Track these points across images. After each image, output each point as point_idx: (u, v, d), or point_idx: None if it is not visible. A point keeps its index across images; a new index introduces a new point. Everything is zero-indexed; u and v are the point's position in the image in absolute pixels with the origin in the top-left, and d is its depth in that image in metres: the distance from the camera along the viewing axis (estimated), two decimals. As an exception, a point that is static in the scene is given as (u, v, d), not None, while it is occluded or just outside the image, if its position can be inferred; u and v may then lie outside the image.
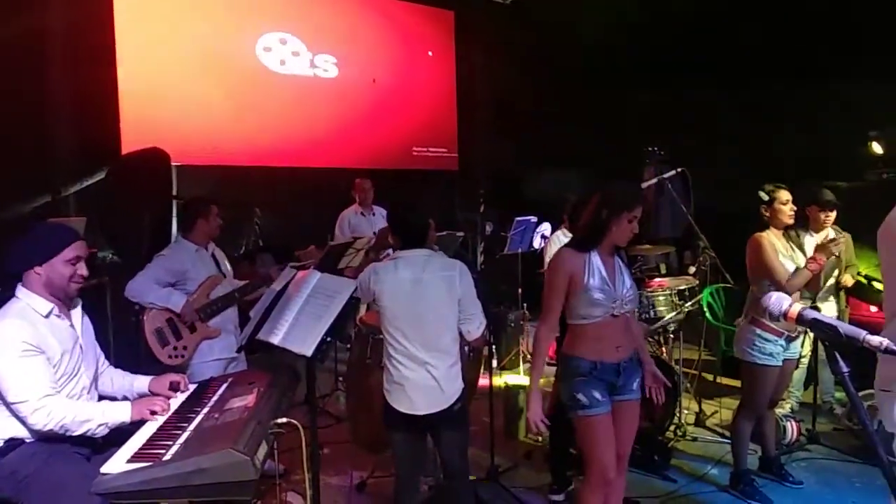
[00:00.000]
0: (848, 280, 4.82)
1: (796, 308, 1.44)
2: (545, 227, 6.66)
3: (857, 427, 4.53)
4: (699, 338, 5.31)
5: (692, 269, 5.13)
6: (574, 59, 8.76)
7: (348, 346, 5.14)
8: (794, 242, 3.88)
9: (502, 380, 5.51)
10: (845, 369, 1.34)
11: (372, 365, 3.57)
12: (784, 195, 3.73)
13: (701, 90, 7.75)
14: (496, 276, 8.16)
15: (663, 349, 5.01)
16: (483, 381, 4.47)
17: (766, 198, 3.74)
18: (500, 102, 9.10)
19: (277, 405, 2.41)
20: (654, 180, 4.63)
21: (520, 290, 6.55)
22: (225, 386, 2.74)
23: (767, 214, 3.74)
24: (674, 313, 4.61)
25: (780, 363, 3.71)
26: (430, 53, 8.86)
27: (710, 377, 5.58)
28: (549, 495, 3.86)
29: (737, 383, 5.37)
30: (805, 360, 4.92)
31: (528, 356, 6.67)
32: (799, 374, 4.99)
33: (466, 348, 4.06)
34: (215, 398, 2.58)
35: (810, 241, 4.71)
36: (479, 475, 3.94)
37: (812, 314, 1.41)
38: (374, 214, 6.52)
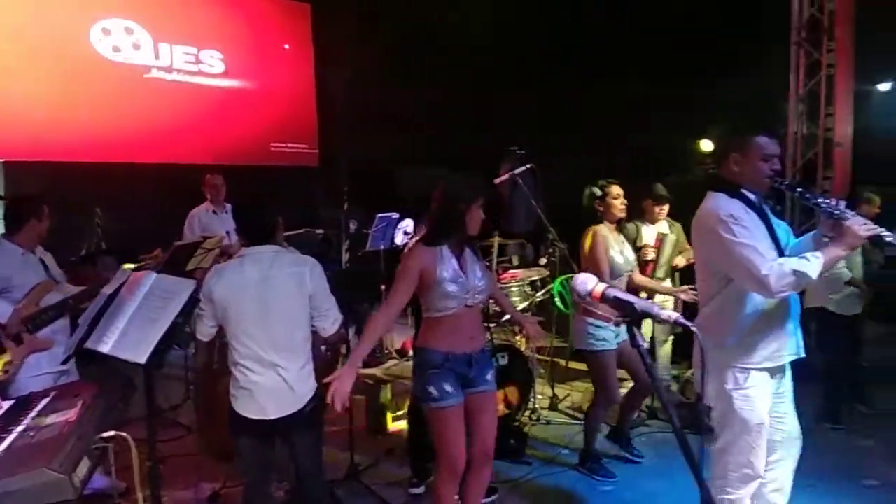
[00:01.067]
0: (681, 261, 5.26)
1: (600, 287, 1.55)
2: (407, 224, 6.70)
3: (689, 400, 4.97)
4: (551, 325, 5.59)
5: (543, 261, 5.38)
6: (440, 57, 8.87)
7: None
8: (626, 235, 4.13)
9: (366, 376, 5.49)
10: (641, 343, 1.46)
11: (219, 371, 3.40)
12: (615, 190, 3.93)
13: (565, 89, 8.14)
14: (361, 274, 8.10)
15: (517, 337, 5.21)
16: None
17: (598, 192, 3.94)
18: (364, 98, 9.04)
19: (104, 418, 2.23)
20: (507, 176, 4.79)
21: (383, 287, 6.55)
22: (46, 401, 2.49)
23: (601, 209, 3.93)
24: (526, 303, 4.81)
25: (615, 346, 3.95)
26: (286, 46, 8.62)
27: (562, 362, 5.89)
28: (409, 489, 3.89)
29: (585, 367, 5.73)
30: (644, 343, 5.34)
31: (394, 353, 6.70)
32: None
33: (324, 347, 4.01)
34: (33, 414, 2.33)
35: (647, 231, 5.12)
36: (338, 475, 3.89)
37: (613, 292, 1.52)
38: (226, 212, 6.22)
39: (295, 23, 8.78)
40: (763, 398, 2.71)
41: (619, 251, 3.96)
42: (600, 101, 7.55)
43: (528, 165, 4.82)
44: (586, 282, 1.57)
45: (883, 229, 2.48)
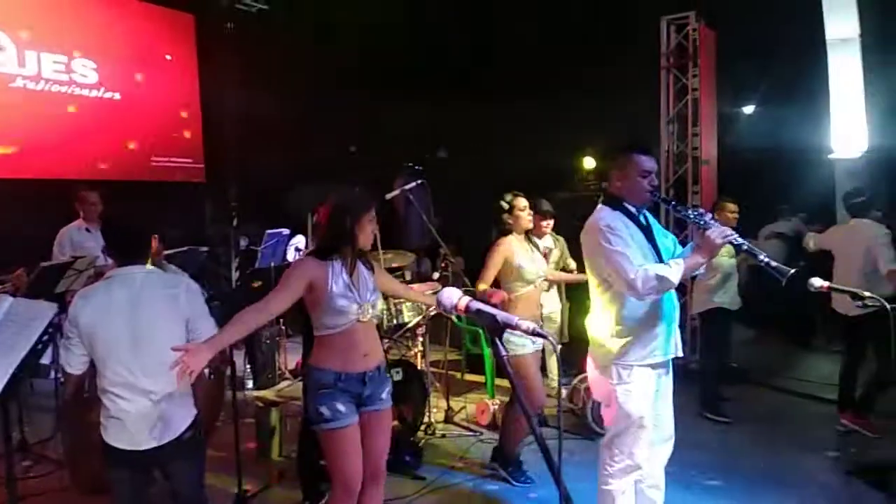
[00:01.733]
0: (571, 264, 5.46)
1: (464, 301, 1.59)
2: (299, 240, 6.57)
3: (577, 407, 5.16)
4: (445, 338, 5.65)
5: (436, 275, 5.44)
6: (328, 72, 8.80)
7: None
8: (534, 245, 4.29)
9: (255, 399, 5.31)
10: (503, 353, 1.50)
11: (91, 398, 3.17)
12: (522, 202, 4.13)
13: (457, 107, 8.29)
14: (252, 293, 7.83)
15: (412, 352, 5.22)
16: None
17: (506, 206, 4.11)
18: (255, 113, 8.82)
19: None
20: (398, 191, 4.81)
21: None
22: None
23: (510, 221, 4.10)
24: (420, 317, 4.84)
25: (532, 351, 4.04)
26: (168, 57, 8.25)
27: (457, 375, 5.95)
28: (301, 512, 3.79)
29: (481, 378, 5.83)
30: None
31: (287, 373, 6.53)
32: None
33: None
34: None
35: (537, 243, 5.31)
36: (225, 503, 3.72)
37: (476, 305, 1.56)
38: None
39: (177, 33, 8.42)
40: (644, 394, 2.93)
41: (529, 259, 4.11)
42: (490, 118, 7.78)
43: (420, 181, 4.88)
44: (451, 296, 1.60)
45: (737, 236, 2.74)
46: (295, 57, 8.52)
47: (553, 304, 5.49)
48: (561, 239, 5.36)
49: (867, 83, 8.28)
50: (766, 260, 2.67)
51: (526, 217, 4.13)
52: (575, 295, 5.79)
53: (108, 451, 2.58)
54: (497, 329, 1.51)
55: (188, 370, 2.28)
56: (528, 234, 4.25)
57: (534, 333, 1.50)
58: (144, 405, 2.55)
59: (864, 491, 3.95)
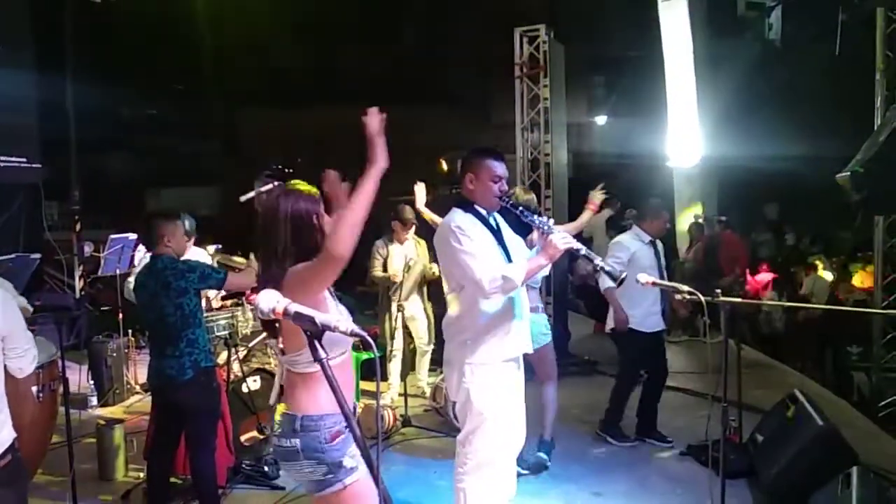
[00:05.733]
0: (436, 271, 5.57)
1: (282, 304, 1.58)
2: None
3: (440, 405, 5.26)
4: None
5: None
6: (182, 73, 8.42)
7: None
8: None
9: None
10: (323, 356, 1.51)
11: None
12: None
13: (315, 112, 8.17)
14: (101, 302, 7.33)
15: (273, 360, 5.07)
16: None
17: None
18: (102, 111, 8.21)
19: None
20: (252, 194, 4.70)
21: (121, 316, 5.94)
22: None
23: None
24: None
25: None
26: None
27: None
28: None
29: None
30: (398, 353, 5.57)
31: (137, 388, 6.10)
32: (395, 366, 5.62)
33: (35, 388, 3.54)
34: None
35: (395, 250, 5.39)
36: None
37: (294, 308, 1.56)
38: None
39: (9, 21, 7.65)
40: (498, 392, 3.02)
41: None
42: (345, 122, 7.79)
43: (276, 183, 4.76)
44: (269, 300, 1.58)
45: (576, 242, 2.93)
46: (150, 55, 8.06)
47: (416, 306, 5.58)
48: (423, 242, 5.45)
49: (699, 99, 9.19)
50: (601, 265, 2.91)
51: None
52: (439, 296, 5.92)
53: None
54: (316, 331, 1.51)
55: None
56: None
57: (352, 334, 1.51)
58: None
59: (697, 469, 4.31)
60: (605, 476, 4.27)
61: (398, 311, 5.30)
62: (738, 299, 3.52)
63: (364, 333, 1.49)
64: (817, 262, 8.98)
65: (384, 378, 5.65)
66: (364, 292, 6.26)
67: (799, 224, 11.85)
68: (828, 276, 8.83)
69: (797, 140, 9.46)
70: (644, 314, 4.67)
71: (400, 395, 5.49)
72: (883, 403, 6.08)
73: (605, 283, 4.38)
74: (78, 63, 8.14)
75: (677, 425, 4.73)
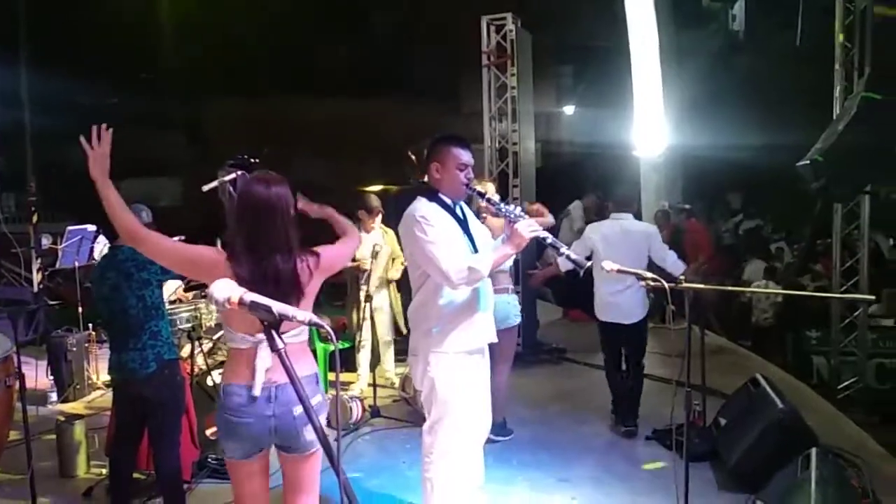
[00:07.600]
0: (395, 274, 5.55)
1: (237, 294, 1.55)
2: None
3: (409, 395, 5.25)
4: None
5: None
6: (145, 62, 8.22)
7: None
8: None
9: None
10: (280, 345, 1.49)
11: None
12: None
13: (280, 102, 8.06)
14: (60, 296, 7.13)
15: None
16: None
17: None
18: (60, 100, 7.96)
19: None
20: (215, 183, 4.60)
21: (80, 310, 5.79)
22: None
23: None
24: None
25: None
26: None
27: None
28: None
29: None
30: (367, 343, 5.54)
31: (99, 383, 5.97)
32: (364, 356, 5.58)
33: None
34: None
35: (366, 238, 5.34)
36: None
37: (250, 297, 1.53)
38: None
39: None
40: (463, 381, 3.01)
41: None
42: (312, 114, 7.71)
43: (239, 173, 4.68)
44: (224, 289, 1.54)
45: (542, 231, 2.92)
46: (114, 43, 7.85)
47: (383, 298, 5.55)
48: (391, 231, 5.41)
49: (665, 89, 9.29)
50: (568, 253, 2.91)
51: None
52: (406, 286, 5.89)
53: None
54: (272, 321, 1.48)
55: None
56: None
57: (311, 324, 1.48)
58: None
59: (662, 452, 4.39)
60: (571, 462, 4.31)
61: (366, 301, 5.26)
62: (701, 286, 3.55)
63: (322, 323, 1.46)
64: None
65: (353, 369, 5.63)
66: (332, 283, 6.20)
67: (762, 212, 12.12)
68: (761, 263, 9.12)
69: (760, 130, 9.64)
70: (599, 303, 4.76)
71: (369, 385, 5.46)
72: (841, 386, 6.26)
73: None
74: (34, 51, 7.89)
75: (643, 411, 4.80)
